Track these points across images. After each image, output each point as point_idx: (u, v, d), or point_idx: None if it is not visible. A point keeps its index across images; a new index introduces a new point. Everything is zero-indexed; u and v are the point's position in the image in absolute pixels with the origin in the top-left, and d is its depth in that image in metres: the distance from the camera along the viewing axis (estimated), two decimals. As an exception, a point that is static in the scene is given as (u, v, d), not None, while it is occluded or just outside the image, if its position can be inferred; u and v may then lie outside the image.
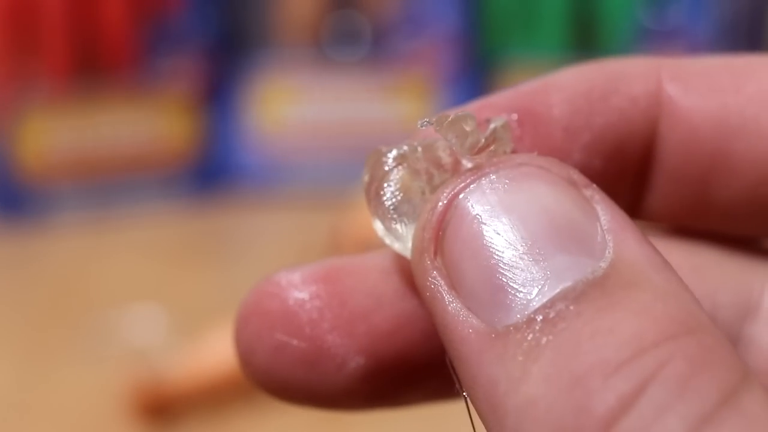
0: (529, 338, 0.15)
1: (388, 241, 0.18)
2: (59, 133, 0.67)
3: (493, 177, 0.16)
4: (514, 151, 0.18)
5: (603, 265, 0.15)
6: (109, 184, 0.68)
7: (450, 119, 0.17)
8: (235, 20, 0.71)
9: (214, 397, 0.49)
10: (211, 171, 0.71)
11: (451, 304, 0.16)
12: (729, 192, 0.19)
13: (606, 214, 0.16)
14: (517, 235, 0.16)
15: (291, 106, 0.72)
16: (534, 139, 0.18)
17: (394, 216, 0.17)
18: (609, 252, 0.16)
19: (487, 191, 0.16)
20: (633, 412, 0.14)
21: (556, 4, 0.69)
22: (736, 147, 0.19)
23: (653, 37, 0.68)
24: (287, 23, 0.71)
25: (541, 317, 0.15)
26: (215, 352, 0.49)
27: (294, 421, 0.48)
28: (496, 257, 0.16)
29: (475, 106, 0.19)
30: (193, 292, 0.58)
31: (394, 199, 0.17)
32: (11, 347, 0.54)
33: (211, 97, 0.70)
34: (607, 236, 0.16)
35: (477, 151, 0.17)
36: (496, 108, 0.18)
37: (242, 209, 0.70)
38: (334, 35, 0.71)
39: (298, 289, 0.19)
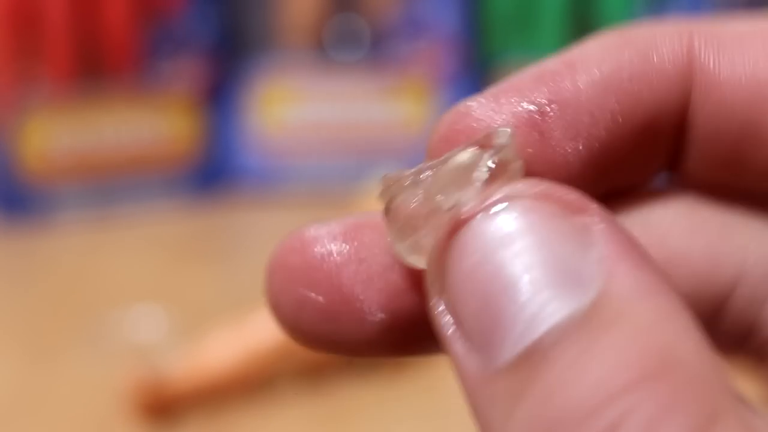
0: (513, 382, 0.15)
1: (404, 260, 0.18)
2: (62, 134, 0.68)
3: (487, 214, 0.16)
4: (525, 163, 0.18)
5: (589, 299, 0.15)
6: (111, 185, 0.69)
7: (447, 171, 0.17)
8: (236, 23, 0.71)
9: (215, 396, 0.49)
10: (213, 172, 0.71)
11: (454, 341, 0.16)
12: (762, 157, 0.19)
13: (601, 240, 0.16)
14: (507, 275, 0.16)
15: (292, 107, 0.72)
16: (561, 125, 0.18)
17: (407, 240, 0.18)
18: (598, 285, 0.15)
19: (479, 230, 0.16)
20: None
21: (555, 6, 0.69)
22: (766, 118, 0.19)
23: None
24: (288, 26, 0.71)
25: (525, 360, 0.15)
26: (217, 351, 0.49)
27: (295, 419, 0.48)
28: (487, 299, 0.16)
29: (500, 91, 0.19)
30: (195, 292, 0.59)
31: (406, 225, 0.18)
32: (13, 345, 0.54)
33: (212, 98, 0.71)
34: (598, 267, 0.16)
35: (489, 180, 0.17)
36: (521, 93, 0.18)
37: (244, 209, 0.70)
38: (335, 37, 0.71)
39: (321, 244, 0.19)
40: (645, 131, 0.19)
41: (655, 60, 0.19)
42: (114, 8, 0.67)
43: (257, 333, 0.49)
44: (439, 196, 0.17)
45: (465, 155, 0.17)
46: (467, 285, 0.16)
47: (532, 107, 0.18)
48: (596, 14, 0.69)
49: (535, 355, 0.15)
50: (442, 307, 0.16)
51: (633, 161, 0.19)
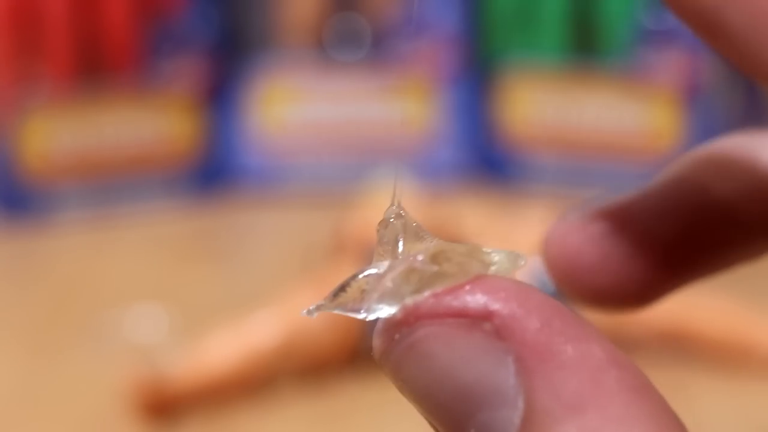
0: None
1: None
2: (62, 133, 0.68)
3: (396, 346, 0.15)
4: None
5: (517, 421, 0.14)
6: (112, 184, 0.69)
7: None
8: (237, 22, 0.71)
9: (216, 396, 0.49)
10: (214, 171, 0.71)
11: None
12: None
13: (514, 348, 0.14)
14: (430, 407, 0.15)
15: (293, 106, 0.72)
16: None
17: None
18: (521, 402, 0.14)
19: (393, 364, 0.15)
20: None
21: (555, 5, 0.69)
22: None
23: (653, 39, 0.68)
24: (289, 25, 0.71)
25: None
26: (217, 351, 0.49)
27: (295, 419, 0.48)
28: (429, 419, 0.15)
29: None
30: (196, 291, 0.59)
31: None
32: (14, 345, 0.54)
33: (213, 97, 0.71)
34: (518, 379, 0.14)
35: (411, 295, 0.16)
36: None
37: (244, 209, 0.70)
38: (336, 37, 0.71)
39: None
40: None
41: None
42: (114, 7, 0.67)
43: (257, 333, 0.49)
44: (376, 297, 0.16)
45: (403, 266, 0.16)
46: (410, 401, 0.15)
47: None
48: (597, 14, 0.69)
49: None
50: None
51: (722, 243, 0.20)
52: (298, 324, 0.50)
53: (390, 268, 0.16)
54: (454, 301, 0.15)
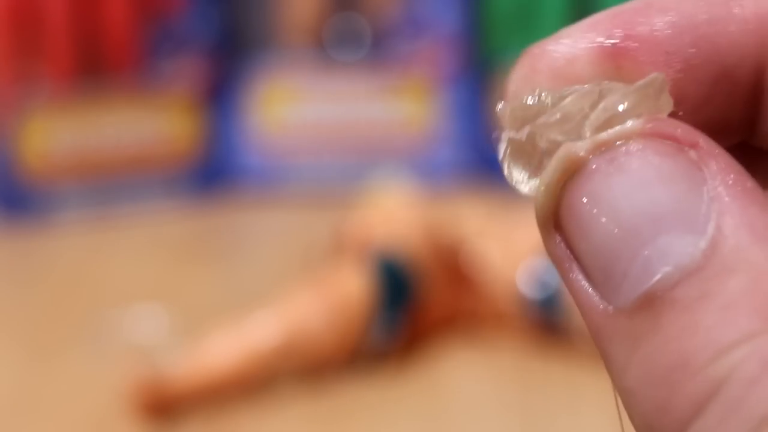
0: (633, 324, 0.15)
1: (511, 182, 0.18)
2: (62, 133, 0.68)
3: (602, 155, 0.16)
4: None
5: (703, 244, 0.15)
6: (112, 184, 0.69)
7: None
8: (237, 21, 0.71)
9: (216, 396, 0.49)
10: (214, 171, 0.71)
11: (573, 275, 0.16)
12: None
13: (713, 178, 0.16)
14: (620, 219, 0.16)
15: (293, 106, 0.72)
16: (636, 61, 0.18)
17: (519, 162, 0.18)
18: (711, 227, 0.15)
19: (595, 172, 0.16)
20: (703, 415, 0.15)
21: (555, 4, 0.69)
22: None
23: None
24: (289, 25, 0.71)
25: (643, 305, 0.15)
26: (218, 351, 0.49)
27: (295, 419, 0.48)
28: (601, 242, 0.16)
29: (575, 29, 0.18)
30: (196, 291, 0.59)
31: (522, 151, 0.18)
32: (14, 346, 0.54)
33: (213, 97, 0.71)
34: (711, 207, 0.15)
35: (607, 121, 0.17)
36: (597, 30, 0.18)
37: (244, 209, 0.70)
38: (336, 37, 0.71)
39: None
40: (719, 82, 0.18)
41: (734, 7, 0.18)
42: (114, 7, 0.67)
43: (257, 333, 0.49)
44: (556, 132, 0.17)
45: (585, 93, 0.17)
46: (584, 225, 0.16)
47: (608, 42, 0.18)
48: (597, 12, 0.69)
49: (652, 301, 0.15)
50: (559, 240, 0.17)
51: (705, 115, 0.18)
52: (298, 324, 0.50)
53: (586, 98, 0.17)
54: (666, 127, 0.16)
